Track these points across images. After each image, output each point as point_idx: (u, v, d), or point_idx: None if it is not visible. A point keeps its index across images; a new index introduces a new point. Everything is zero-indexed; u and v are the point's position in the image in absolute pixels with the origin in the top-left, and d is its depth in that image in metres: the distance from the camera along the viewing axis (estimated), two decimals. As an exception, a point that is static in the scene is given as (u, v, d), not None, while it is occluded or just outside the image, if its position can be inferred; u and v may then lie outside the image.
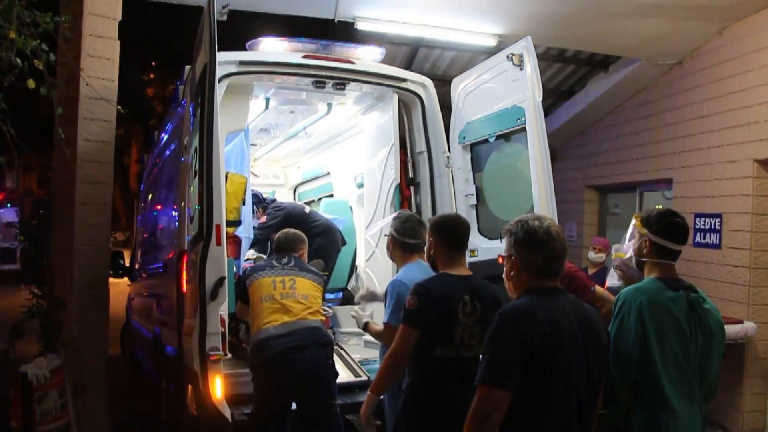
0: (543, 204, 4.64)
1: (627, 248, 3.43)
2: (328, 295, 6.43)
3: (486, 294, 3.35)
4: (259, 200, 6.87)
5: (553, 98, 9.66)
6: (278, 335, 4.33)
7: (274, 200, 7.31)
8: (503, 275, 2.68)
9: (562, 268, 2.58)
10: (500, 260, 2.71)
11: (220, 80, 4.60)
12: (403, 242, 4.11)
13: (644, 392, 2.89)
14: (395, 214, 4.43)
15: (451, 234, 3.49)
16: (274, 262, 4.73)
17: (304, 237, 5.07)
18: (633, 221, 3.26)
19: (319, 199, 8.27)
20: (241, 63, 5.14)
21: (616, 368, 2.88)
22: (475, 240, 5.49)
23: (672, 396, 2.86)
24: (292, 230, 5.12)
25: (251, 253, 6.69)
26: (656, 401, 2.87)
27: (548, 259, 2.53)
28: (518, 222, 2.61)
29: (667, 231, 3.06)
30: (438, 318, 3.22)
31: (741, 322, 6.24)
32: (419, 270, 4.12)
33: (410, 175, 5.92)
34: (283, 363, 4.29)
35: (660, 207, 8.80)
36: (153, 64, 32.84)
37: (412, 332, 3.24)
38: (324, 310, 4.85)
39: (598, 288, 4.85)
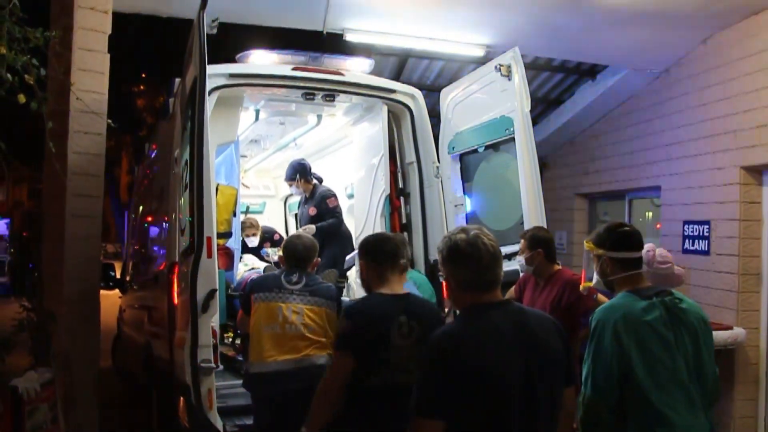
0: (532, 213, 4.69)
1: (590, 275, 3.29)
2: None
3: (425, 313, 3.14)
4: (298, 170, 6.84)
5: (542, 107, 9.72)
6: (282, 372, 4.04)
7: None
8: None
9: (497, 279, 2.42)
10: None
11: (210, 93, 4.62)
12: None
13: (632, 411, 2.78)
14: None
15: (376, 251, 3.28)
16: (283, 280, 4.24)
17: (316, 244, 4.51)
18: (585, 247, 3.16)
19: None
20: (231, 75, 5.17)
21: (594, 392, 2.80)
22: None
23: (665, 408, 2.74)
24: (307, 237, 4.57)
25: (251, 260, 6.71)
26: (647, 418, 2.76)
27: (476, 272, 2.38)
28: (444, 238, 2.50)
29: (621, 242, 3.00)
30: (373, 341, 3.01)
31: (731, 328, 6.28)
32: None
33: (400, 185, 5.95)
34: (289, 407, 4.00)
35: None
36: (143, 75, 32.80)
37: (348, 358, 3.02)
38: None
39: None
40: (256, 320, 4.18)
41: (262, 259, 7.26)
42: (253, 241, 7.35)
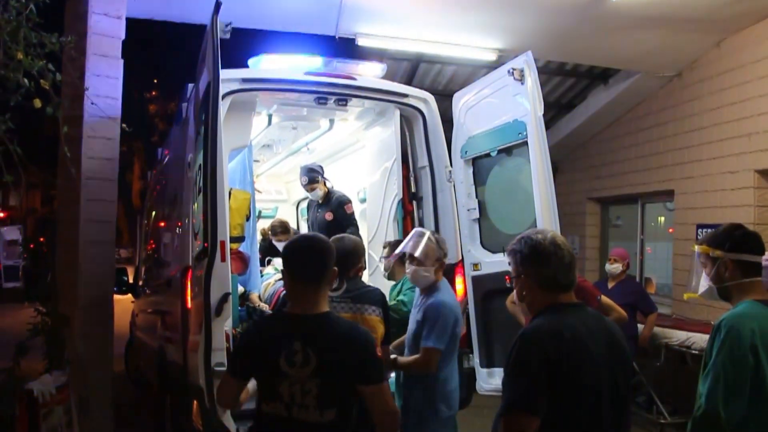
0: (545, 217, 4.66)
1: (697, 283, 2.94)
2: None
3: (331, 342, 2.64)
4: (320, 173, 6.74)
5: (554, 111, 9.71)
6: None
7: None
8: (515, 298, 2.52)
9: (575, 279, 2.44)
10: (507, 280, 2.54)
11: (223, 97, 4.63)
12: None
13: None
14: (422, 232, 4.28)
15: (288, 260, 2.82)
16: None
17: (361, 249, 3.97)
18: (696, 250, 2.88)
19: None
20: (244, 80, 5.17)
21: (725, 406, 2.47)
22: (478, 254, 5.52)
23: None
24: (348, 238, 4.01)
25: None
26: None
27: (559, 270, 2.38)
28: (521, 239, 2.46)
29: (744, 243, 2.74)
30: (258, 367, 2.70)
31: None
32: (449, 290, 4.08)
33: (413, 189, 5.93)
34: None
35: (662, 219, 8.84)
36: (155, 81, 33.03)
37: (229, 380, 2.84)
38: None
39: (603, 298, 4.86)
40: None
41: None
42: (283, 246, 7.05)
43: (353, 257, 3.83)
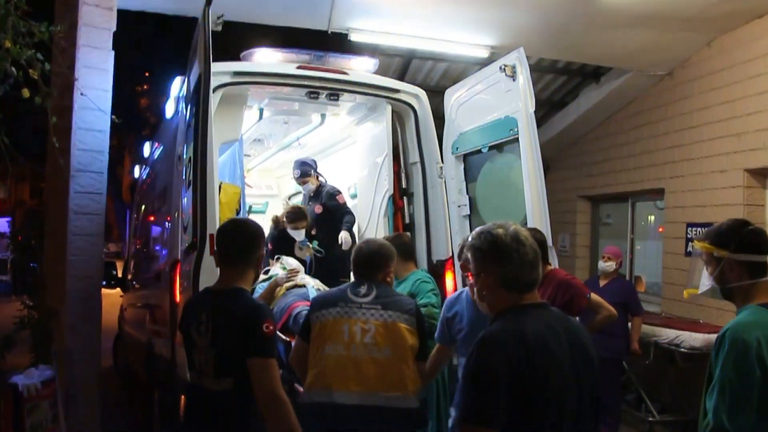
0: (536, 214, 4.67)
1: (696, 281, 2.81)
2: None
3: (225, 313, 2.84)
4: (313, 167, 6.64)
5: (546, 109, 9.72)
6: (350, 406, 3.27)
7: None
8: (475, 296, 2.33)
9: (539, 277, 2.25)
10: (470, 277, 2.34)
11: (214, 90, 4.61)
12: None
13: None
14: None
15: (217, 242, 3.10)
16: (349, 293, 3.50)
17: (390, 251, 3.75)
18: (697, 248, 2.72)
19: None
20: (236, 73, 5.16)
21: (733, 422, 2.32)
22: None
23: None
24: (376, 242, 3.93)
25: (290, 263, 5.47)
26: None
27: (521, 268, 2.20)
28: (480, 233, 2.27)
29: (753, 243, 2.56)
30: (183, 335, 3.03)
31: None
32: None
33: (403, 185, 5.93)
34: None
35: (652, 218, 8.86)
36: (146, 74, 32.89)
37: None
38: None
39: (593, 295, 4.86)
40: (315, 343, 3.40)
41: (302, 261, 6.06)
42: (300, 235, 6.29)
43: (378, 261, 3.63)
